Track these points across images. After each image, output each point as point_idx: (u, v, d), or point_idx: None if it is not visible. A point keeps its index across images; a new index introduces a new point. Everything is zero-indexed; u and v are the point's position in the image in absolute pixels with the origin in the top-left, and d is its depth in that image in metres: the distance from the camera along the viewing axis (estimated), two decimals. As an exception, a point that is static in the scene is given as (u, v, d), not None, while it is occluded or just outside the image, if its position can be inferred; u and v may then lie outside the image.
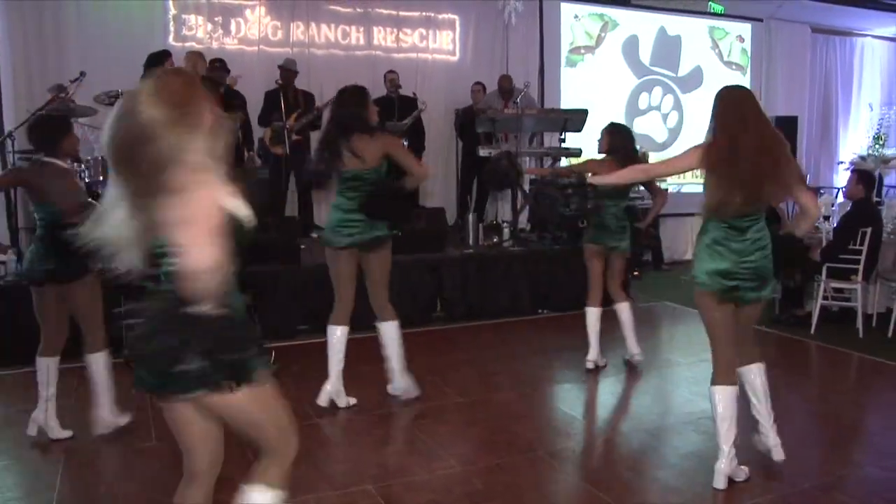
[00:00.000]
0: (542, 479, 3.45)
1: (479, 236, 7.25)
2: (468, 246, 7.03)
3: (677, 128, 10.23)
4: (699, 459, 3.62)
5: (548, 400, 4.69)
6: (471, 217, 7.27)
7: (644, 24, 10.05)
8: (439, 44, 9.20)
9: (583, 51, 9.70)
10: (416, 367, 4.69)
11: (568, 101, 9.23)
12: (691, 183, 10.28)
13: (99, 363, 3.88)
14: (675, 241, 10.22)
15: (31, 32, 7.35)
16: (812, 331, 6.05)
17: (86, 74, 6.12)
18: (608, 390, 4.88)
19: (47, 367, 3.83)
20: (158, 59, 6.46)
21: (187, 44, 8.03)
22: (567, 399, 4.69)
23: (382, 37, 8.93)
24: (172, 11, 7.95)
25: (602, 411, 4.44)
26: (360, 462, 3.60)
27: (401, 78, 8.34)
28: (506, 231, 7.29)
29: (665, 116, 10.05)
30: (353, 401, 4.35)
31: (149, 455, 3.78)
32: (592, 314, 5.13)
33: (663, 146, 10.02)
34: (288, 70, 7.71)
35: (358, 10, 8.73)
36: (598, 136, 5.09)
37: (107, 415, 3.93)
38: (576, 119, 7.33)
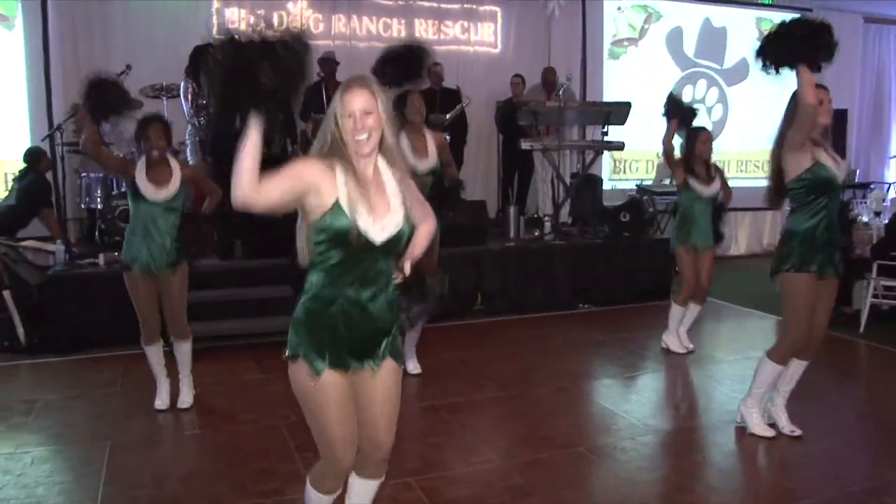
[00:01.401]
0: (581, 475, 3.42)
1: (521, 229, 7.20)
2: (509, 239, 7.00)
3: (722, 121, 10.03)
4: (740, 458, 3.56)
5: (588, 395, 4.65)
6: (511, 210, 7.22)
7: (689, 16, 9.87)
8: (481, 36, 9.16)
9: (626, 43, 9.56)
10: (455, 360, 4.71)
11: (610, 94, 9.11)
12: (750, 177, 10.10)
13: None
14: (729, 237, 10.01)
15: (79, 27, 7.53)
16: (861, 329, 5.89)
17: (131, 68, 6.21)
18: (649, 386, 4.82)
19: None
20: (203, 52, 6.52)
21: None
22: (607, 394, 4.65)
23: (424, 29, 8.92)
24: (216, 5, 8.04)
25: (643, 407, 4.38)
26: (400, 455, 3.60)
27: (444, 68, 8.32)
28: (547, 224, 7.24)
29: (710, 110, 9.85)
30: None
31: (192, 442, 3.87)
32: (679, 312, 5.35)
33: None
34: (328, 62, 7.73)
35: (399, 2, 8.74)
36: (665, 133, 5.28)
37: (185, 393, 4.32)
38: (619, 112, 7.23)
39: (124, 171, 4.04)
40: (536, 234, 7.21)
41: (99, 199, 6.54)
